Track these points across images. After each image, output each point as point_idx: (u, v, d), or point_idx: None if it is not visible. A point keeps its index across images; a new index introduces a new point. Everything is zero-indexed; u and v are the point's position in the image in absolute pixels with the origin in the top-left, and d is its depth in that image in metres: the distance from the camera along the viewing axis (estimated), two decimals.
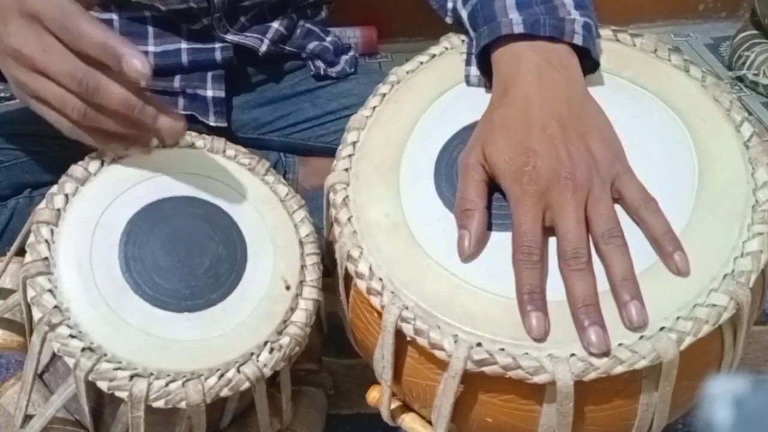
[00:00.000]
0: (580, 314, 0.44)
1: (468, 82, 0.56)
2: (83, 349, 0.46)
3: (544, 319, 0.44)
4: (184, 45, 0.83)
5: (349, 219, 0.51)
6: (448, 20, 0.63)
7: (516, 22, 0.50)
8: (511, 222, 0.47)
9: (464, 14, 0.57)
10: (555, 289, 0.46)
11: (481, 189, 0.49)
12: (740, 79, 1.35)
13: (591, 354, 0.43)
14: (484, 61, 0.54)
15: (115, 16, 0.82)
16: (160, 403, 0.46)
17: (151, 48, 0.83)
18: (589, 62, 0.53)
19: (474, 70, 0.55)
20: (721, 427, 0.22)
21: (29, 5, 0.46)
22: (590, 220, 0.46)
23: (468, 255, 0.48)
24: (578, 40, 0.51)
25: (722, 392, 0.23)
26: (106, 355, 0.46)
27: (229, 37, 0.84)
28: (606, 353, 0.43)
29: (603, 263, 0.46)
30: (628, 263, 0.45)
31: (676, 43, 1.47)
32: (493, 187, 0.50)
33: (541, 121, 0.48)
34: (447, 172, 0.52)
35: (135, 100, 0.48)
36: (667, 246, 0.45)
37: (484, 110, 0.53)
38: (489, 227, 0.49)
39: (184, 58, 0.83)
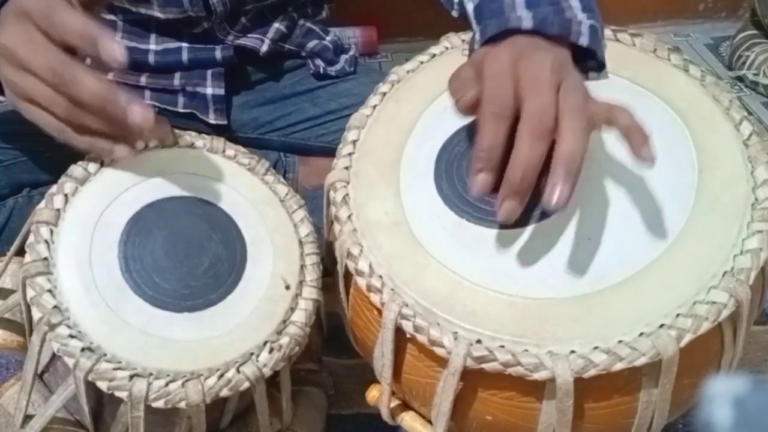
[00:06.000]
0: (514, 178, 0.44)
1: None
2: (83, 349, 0.46)
3: (490, 180, 0.45)
4: (185, 44, 0.84)
5: (349, 217, 0.51)
6: (454, 13, 0.63)
7: (525, 18, 0.50)
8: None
9: (470, 7, 0.57)
10: (552, 287, 0.46)
11: None
12: (740, 79, 1.35)
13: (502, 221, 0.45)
14: None
15: (119, 17, 0.83)
16: (159, 403, 0.46)
17: (152, 46, 0.83)
18: (594, 63, 0.53)
19: None
20: (721, 427, 0.22)
21: (19, 2, 0.49)
22: (560, 96, 0.45)
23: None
24: (583, 41, 0.50)
25: (722, 392, 0.23)
26: (105, 355, 0.46)
27: (230, 39, 0.84)
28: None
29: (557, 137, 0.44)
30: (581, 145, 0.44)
31: (676, 43, 1.47)
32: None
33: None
34: (447, 170, 0.52)
35: (107, 92, 0.48)
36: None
37: None
38: (489, 225, 0.49)
39: (185, 56, 0.84)
